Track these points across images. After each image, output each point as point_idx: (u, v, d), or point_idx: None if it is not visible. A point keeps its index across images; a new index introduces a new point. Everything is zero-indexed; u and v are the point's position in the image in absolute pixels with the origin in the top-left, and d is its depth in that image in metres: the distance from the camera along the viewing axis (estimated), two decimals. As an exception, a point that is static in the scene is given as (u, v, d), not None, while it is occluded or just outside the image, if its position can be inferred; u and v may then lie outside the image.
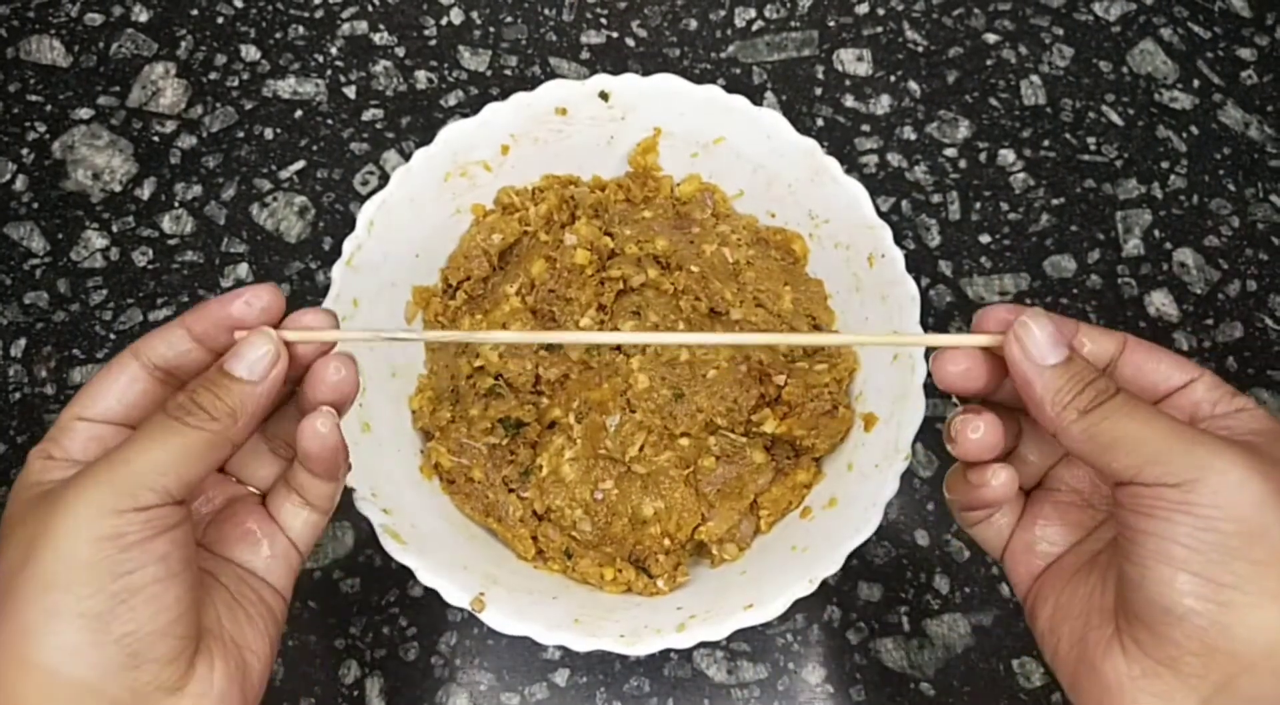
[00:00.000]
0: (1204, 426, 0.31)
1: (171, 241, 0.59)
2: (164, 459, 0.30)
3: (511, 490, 0.47)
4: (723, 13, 0.65)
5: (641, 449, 0.48)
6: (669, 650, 0.43)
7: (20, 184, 0.60)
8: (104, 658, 0.28)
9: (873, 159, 0.62)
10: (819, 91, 0.63)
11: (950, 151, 0.62)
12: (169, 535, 0.29)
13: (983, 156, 0.62)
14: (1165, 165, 0.62)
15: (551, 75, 0.63)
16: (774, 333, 0.50)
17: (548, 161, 0.53)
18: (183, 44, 0.64)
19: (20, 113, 0.61)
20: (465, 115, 0.51)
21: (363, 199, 0.59)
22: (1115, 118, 0.64)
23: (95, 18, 0.64)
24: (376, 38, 0.64)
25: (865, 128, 0.63)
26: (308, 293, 0.57)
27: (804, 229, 0.52)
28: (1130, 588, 0.30)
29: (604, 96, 0.51)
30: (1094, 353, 0.33)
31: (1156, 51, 0.66)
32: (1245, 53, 0.66)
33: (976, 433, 0.33)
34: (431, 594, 0.42)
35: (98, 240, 0.59)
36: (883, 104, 0.63)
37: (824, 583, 0.43)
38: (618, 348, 0.49)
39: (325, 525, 0.37)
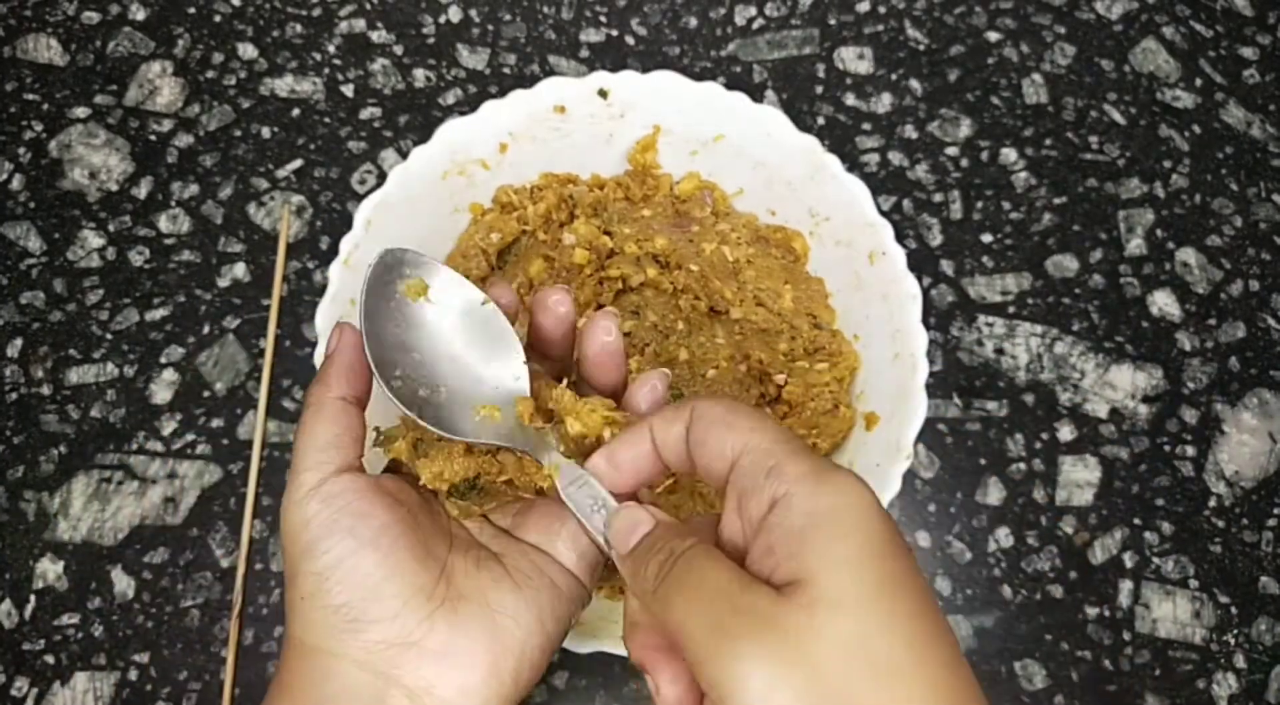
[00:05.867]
0: (760, 534, 0.29)
1: (168, 241, 0.58)
2: (305, 443, 0.34)
3: None
4: (723, 10, 0.65)
5: None
6: (668, 652, 0.43)
7: (17, 183, 0.59)
8: (331, 627, 0.32)
9: (874, 157, 0.62)
10: (820, 90, 0.63)
11: (952, 150, 0.62)
12: (349, 509, 0.33)
13: (984, 155, 0.62)
14: (1167, 164, 0.62)
15: (550, 73, 0.63)
16: (773, 331, 0.50)
17: (546, 160, 0.53)
18: (180, 42, 0.63)
19: (17, 112, 0.61)
20: (464, 113, 0.50)
21: (360, 198, 0.59)
22: (1117, 116, 0.63)
23: (92, 16, 0.64)
24: (374, 36, 0.64)
25: (866, 126, 0.62)
26: (305, 292, 0.57)
27: (804, 227, 0.52)
28: None
29: (603, 94, 0.51)
30: (664, 440, 0.32)
31: (1159, 50, 0.65)
32: (1247, 51, 0.65)
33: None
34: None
35: (94, 240, 0.58)
36: (884, 102, 0.63)
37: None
38: None
39: None
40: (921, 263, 0.59)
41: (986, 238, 0.60)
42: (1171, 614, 0.52)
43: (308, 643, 0.32)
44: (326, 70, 0.63)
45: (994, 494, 0.54)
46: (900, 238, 0.48)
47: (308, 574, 0.32)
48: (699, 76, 0.58)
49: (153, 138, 0.61)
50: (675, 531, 0.31)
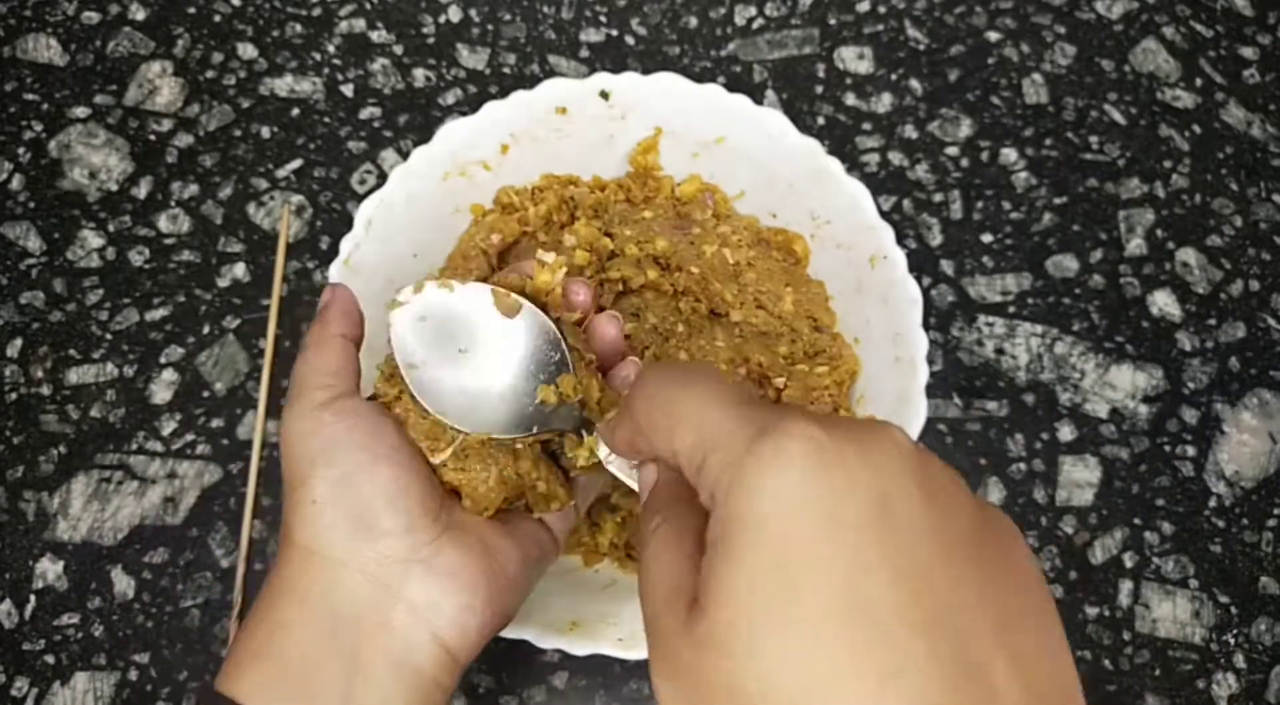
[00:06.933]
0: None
1: (168, 241, 0.58)
2: (312, 367, 0.35)
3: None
4: (723, 10, 0.65)
5: None
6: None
7: (16, 183, 0.59)
8: (343, 534, 0.32)
9: (874, 157, 0.61)
10: (820, 89, 0.63)
11: (952, 150, 0.62)
12: (362, 425, 0.34)
13: (985, 155, 0.62)
14: (1168, 164, 0.62)
15: (550, 73, 0.63)
16: (774, 334, 0.50)
17: (547, 161, 0.53)
18: (179, 42, 0.63)
19: (16, 111, 0.61)
20: (463, 113, 0.50)
21: (360, 198, 0.59)
22: (1118, 116, 0.63)
23: (92, 16, 0.64)
24: (374, 36, 0.64)
25: (866, 126, 0.62)
26: (305, 292, 0.57)
27: (805, 230, 0.52)
28: None
29: (604, 95, 0.51)
30: (615, 439, 0.31)
31: (1159, 50, 0.65)
32: (1247, 51, 0.65)
33: None
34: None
35: (94, 240, 0.58)
36: (884, 102, 0.63)
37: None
38: None
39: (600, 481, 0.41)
40: (921, 263, 0.59)
41: (987, 238, 0.60)
42: (1171, 614, 0.53)
43: (315, 549, 0.33)
44: (326, 70, 0.63)
45: (994, 494, 0.54)
46: (900, 238, 0.48)
47: (322, 480, 0.33)
48: (699, 76, 0.58)
49: (152, 137, 0.61)
50: (665, 499, 0.28)
